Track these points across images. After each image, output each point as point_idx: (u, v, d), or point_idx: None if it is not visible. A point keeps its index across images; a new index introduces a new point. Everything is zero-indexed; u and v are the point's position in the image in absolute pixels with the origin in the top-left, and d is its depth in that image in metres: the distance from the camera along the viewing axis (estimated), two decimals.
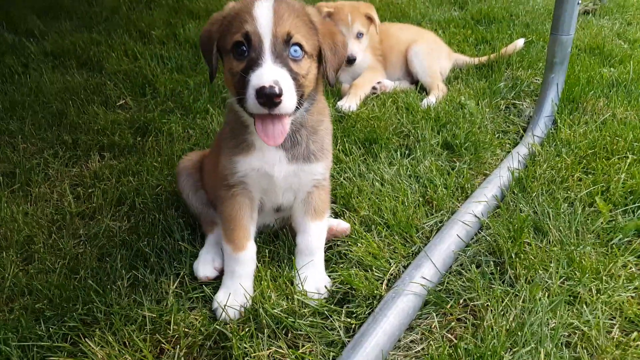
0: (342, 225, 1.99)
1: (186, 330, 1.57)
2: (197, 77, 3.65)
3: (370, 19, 3.23)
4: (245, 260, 1.71)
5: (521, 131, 2.81)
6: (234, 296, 1.65)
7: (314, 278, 1.76)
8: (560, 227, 1.97)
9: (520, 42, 3.62)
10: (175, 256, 1.88)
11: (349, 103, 3.08)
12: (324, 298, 1.72)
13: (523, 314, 1.61)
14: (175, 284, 1.75)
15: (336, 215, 2.11)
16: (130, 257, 1.88)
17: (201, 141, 2.75)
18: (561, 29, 2.65)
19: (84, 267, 1.83)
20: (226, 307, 1.61)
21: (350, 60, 3.18)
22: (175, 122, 2.95)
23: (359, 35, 3.21)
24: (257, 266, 1.79)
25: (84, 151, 2.71)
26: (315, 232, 1.79)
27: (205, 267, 1.80)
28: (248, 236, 1.73)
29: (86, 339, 1.51)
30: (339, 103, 3.11)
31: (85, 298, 1.68)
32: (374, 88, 3.30)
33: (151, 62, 3.87)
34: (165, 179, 2.39)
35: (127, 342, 1.53)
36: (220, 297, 1.66)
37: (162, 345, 1.54)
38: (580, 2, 2.59)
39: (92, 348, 1.47)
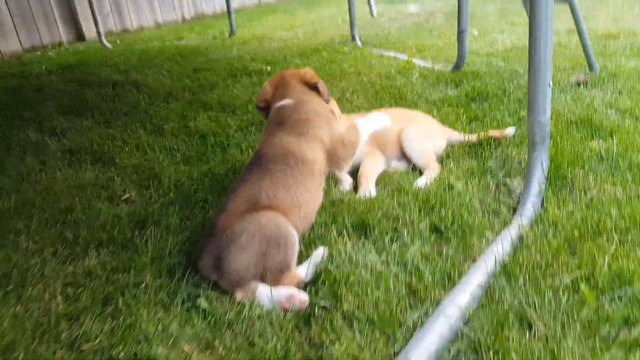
0: (299, 297, 2.10)
1: None
2: (203, 166, 3.75)
3: None
4: None
5: (511, 212, 2.77)
6: None
7: None
8: (545, 319, 1.88)
9: (509, 131, 3.55)
10: None
11: (366, 191, 3.11)
12: None
13: None
14: None
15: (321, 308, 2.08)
16: None
17: (195, 235, 2.79)
18: (537, 110, 2.68)
19: None
20: None
21: None
22: (173, 214, 3.03)
23: None
24: None
25: (83, 248, 2.78)
26: None
27: None
28: None
29: None
30: (359, 194, 3.12)
31: None
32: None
33: (160, 155, 4.03)
34: (153, 274, 2.42)
35: None
36: None
37: None
38: (551, 85, 2.63)
39: None
